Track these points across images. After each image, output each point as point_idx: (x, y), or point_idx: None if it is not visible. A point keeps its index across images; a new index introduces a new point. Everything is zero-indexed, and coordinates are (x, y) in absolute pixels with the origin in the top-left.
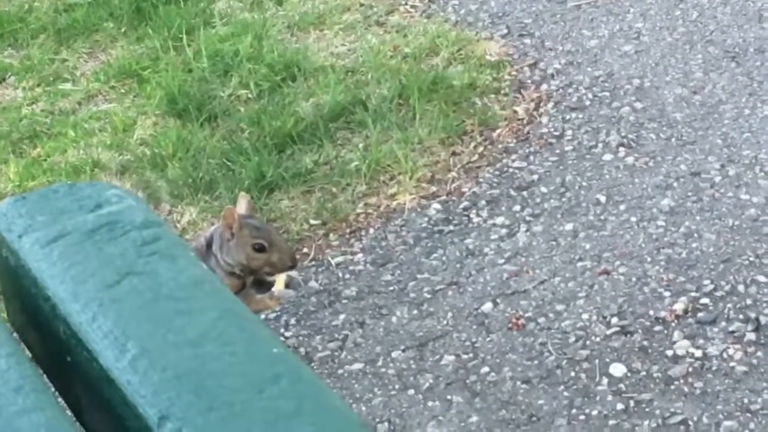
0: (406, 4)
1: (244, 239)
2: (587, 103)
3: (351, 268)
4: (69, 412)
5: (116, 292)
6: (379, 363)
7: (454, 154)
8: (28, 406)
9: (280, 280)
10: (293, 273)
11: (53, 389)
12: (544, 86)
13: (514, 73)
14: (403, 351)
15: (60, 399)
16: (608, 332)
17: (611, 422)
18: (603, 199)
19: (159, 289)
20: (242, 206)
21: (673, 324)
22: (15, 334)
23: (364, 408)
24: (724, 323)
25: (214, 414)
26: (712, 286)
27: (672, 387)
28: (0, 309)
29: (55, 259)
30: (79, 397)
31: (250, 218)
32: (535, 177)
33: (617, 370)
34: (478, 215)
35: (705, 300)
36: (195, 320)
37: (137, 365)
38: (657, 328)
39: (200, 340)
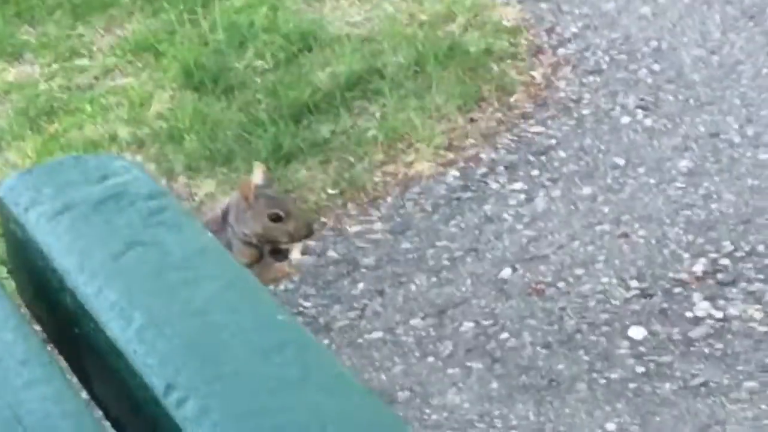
0: None
1: (260, 209)
2: (604, 66)
3: (369, 236)
4: (78, 383)
5: (122, 263)
6: (399, 331)
7: (471, 120)
8: (34, 379)
9: (296, 248)
10: (310, 242)
11: (63, 360)
12: (561, 50)
13: (530, 37)
14: (423, 319)
15: (69, 370)
16: (628, 295)
17: (632, 385)
18: (621, 162)
19: (165, 259)
20: (258, 177)
21: (693, 286)
22: (24, 307)
23: (384, 377)
24: (744, 284)
25: (221, 382)
26: (731, 247)
27: (692, 349)
28: (9, 283)
29: (61, 231)
30: (87, 368)
31: (266, 188)
32: (553, 141)
33: (637, 333)
34: (496, 181)
35: (725, 261)
36: (201, 289)
37: (144, 335)
38: (677, 290)
39: (206, 309)
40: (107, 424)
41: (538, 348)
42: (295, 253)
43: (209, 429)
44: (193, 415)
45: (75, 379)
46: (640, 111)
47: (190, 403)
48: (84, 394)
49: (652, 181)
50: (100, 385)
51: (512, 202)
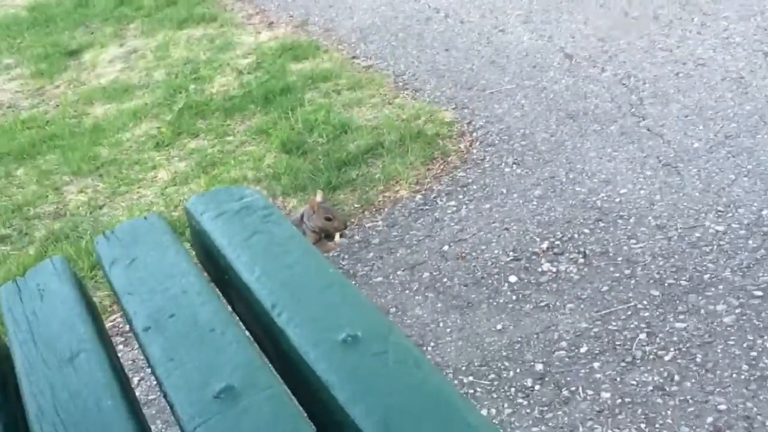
0: (404, 92)
1: (320, 214)
2: (497, 142)
3: (376, 228)
4: (228, 306)
5: (250, 242)
6: (390, 277)
7: (428, 169)
8: (204, 301)
9: (338, 235)
10: (346, 231)
11: (218, 291)
12: (474, 134)
13: (459, 127)
14: (403, 271)
15: (223, 298)
16: (508, 259)
17: (509, 306)
18: (504, 191)
19: (272, 240)
20: (319, 197)
21: (541, 255)
22: (198, 264)
23: (382, 300)
24: (567, 254)
25: (300, 304)
26: (561, 235)
27: (541, 287)
28: (190, 251)
29: (219, 225)
30: (232, 297)
31: (323, 203)
32: (470, 180)
33: (513, 279)
34: (440, 201)
35: (558, 242)
36: (290, 256)
37: (260, 279)
38: (533, 257)
39: (293, 266)
40: (242, 326)
41: (462, 286)
42: (338, 237)
43: (292, 329)
44: (285, 322)
45: (224, 301)
46: (515, 165)
47: (284, 315)
48: (228, 309)
49: (520, 201)
50: (238, 306)
51: (449, 212)
